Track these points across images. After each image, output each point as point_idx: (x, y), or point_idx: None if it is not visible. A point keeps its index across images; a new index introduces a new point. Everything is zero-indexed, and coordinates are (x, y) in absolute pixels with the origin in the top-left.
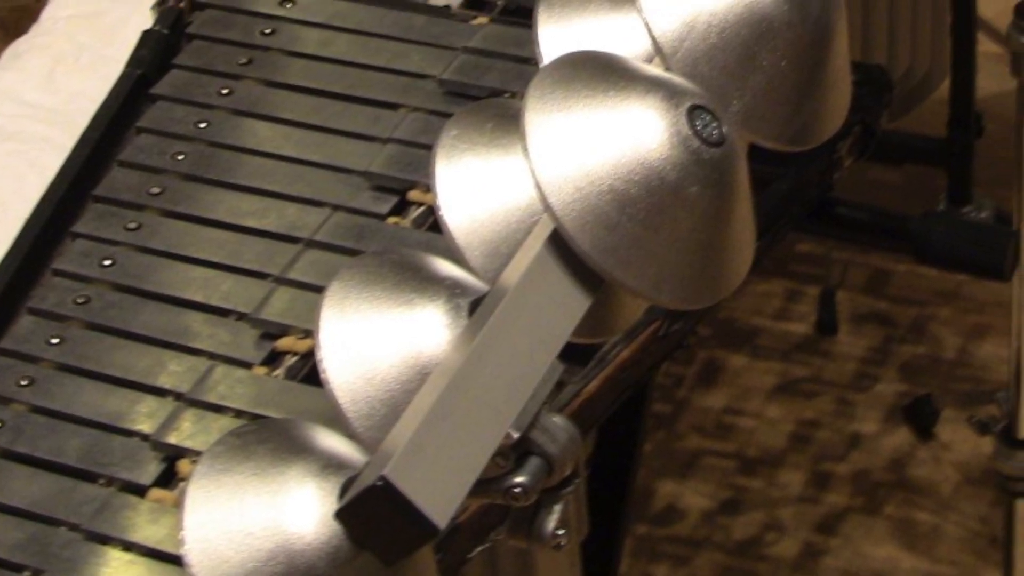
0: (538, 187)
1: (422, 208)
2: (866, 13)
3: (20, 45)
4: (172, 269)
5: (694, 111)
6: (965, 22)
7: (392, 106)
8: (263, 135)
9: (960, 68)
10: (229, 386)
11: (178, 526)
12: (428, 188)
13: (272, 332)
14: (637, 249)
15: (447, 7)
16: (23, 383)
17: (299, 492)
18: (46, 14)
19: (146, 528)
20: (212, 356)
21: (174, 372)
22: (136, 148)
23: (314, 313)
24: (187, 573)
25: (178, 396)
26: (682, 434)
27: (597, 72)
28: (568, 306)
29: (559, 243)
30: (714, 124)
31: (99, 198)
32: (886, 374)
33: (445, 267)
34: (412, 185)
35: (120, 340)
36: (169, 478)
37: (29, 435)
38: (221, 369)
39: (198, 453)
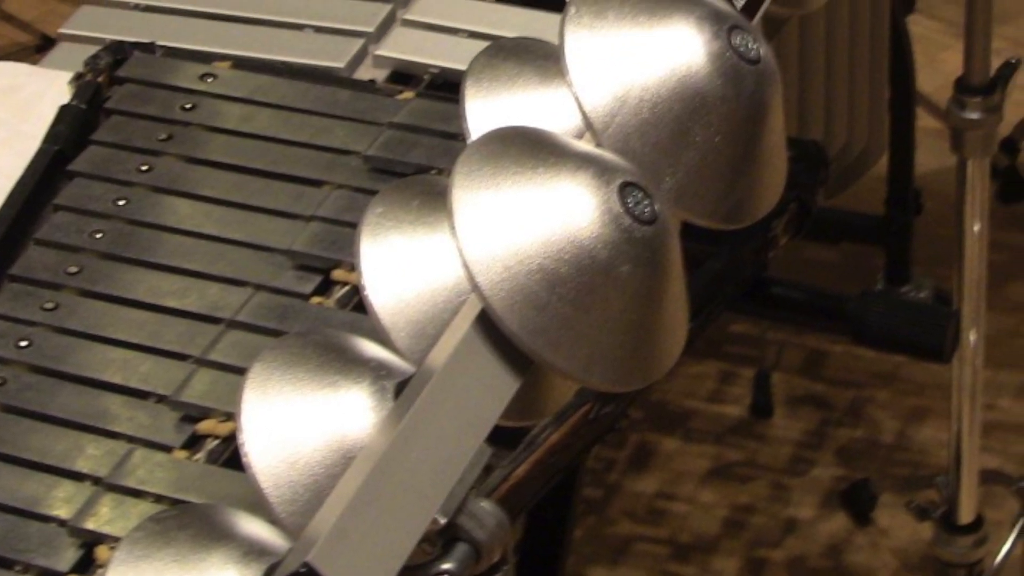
0: (465, 266)
1: (347, 288)
2: (802, 88)
3: None
4: (90, 350)
5: (626, 188)
6: (904, 97)
7: (316, 183)
8: (183, 213)
9: (898, 144)
10: (148, 470)
11: None
12: (353, 267)
13: (193, 415)
14: (567, 330)
15: (372, 81)
16: None
17: None
18: None
19: None
20: (131, 439)
21: (92, 456)
22: (53, 226)
23: (236, 395)
24: None
25: (96, 480)
26: (613, 519)
27: (526, 148)
28: (496, 388)
29: (487, 324)
30: (646, 201)
31: (15, 277)
32: (822, 458)
33: (370, 348)
34: (336, 264)
35: (37, 423)
36: (87, 565)
37: None
38: (140, 453)
39: (117, 539)
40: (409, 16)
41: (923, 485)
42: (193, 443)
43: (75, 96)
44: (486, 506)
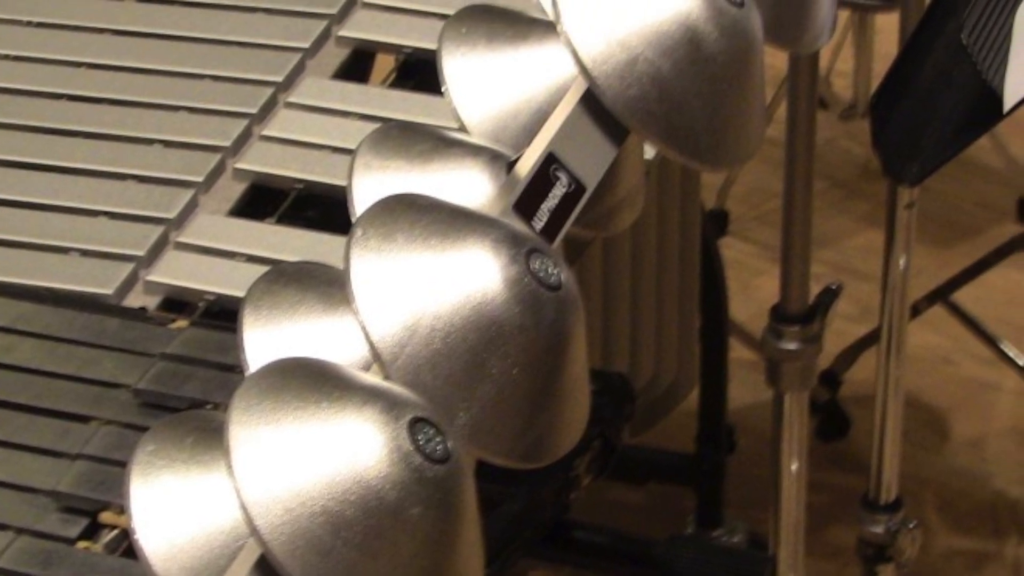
0: (243, 508)
1: (116, 531)
2: (606, 316)
3: None
4: None
5: (416, 424)
6: (715, 326)
7: (82, 418)
8: None
9: (710, 377)
10: None
11: None
12: (122, 509)
13: None
14: None
15: (143, 309)
16: None
17: None
18: None
19: None
20: None
21: None
22: None
23: None
24: None
25: None
26: None
27: (309, 381)
28: None
29: (267, 570)
30: (438, 439)
31: None
32: None
33: None
34: (105, 506)
35: None
36: None
37: None
38: None
39: None
40: (182, 238)
41: None
42: None
43: None
44: None
